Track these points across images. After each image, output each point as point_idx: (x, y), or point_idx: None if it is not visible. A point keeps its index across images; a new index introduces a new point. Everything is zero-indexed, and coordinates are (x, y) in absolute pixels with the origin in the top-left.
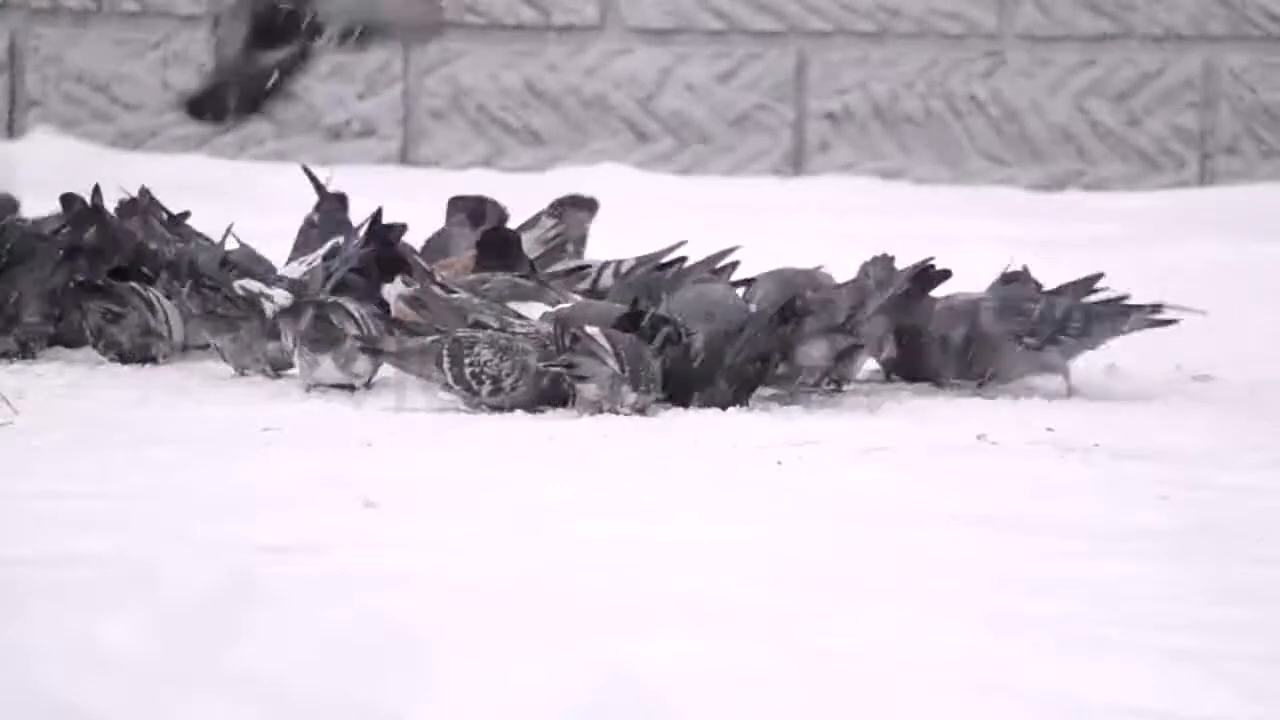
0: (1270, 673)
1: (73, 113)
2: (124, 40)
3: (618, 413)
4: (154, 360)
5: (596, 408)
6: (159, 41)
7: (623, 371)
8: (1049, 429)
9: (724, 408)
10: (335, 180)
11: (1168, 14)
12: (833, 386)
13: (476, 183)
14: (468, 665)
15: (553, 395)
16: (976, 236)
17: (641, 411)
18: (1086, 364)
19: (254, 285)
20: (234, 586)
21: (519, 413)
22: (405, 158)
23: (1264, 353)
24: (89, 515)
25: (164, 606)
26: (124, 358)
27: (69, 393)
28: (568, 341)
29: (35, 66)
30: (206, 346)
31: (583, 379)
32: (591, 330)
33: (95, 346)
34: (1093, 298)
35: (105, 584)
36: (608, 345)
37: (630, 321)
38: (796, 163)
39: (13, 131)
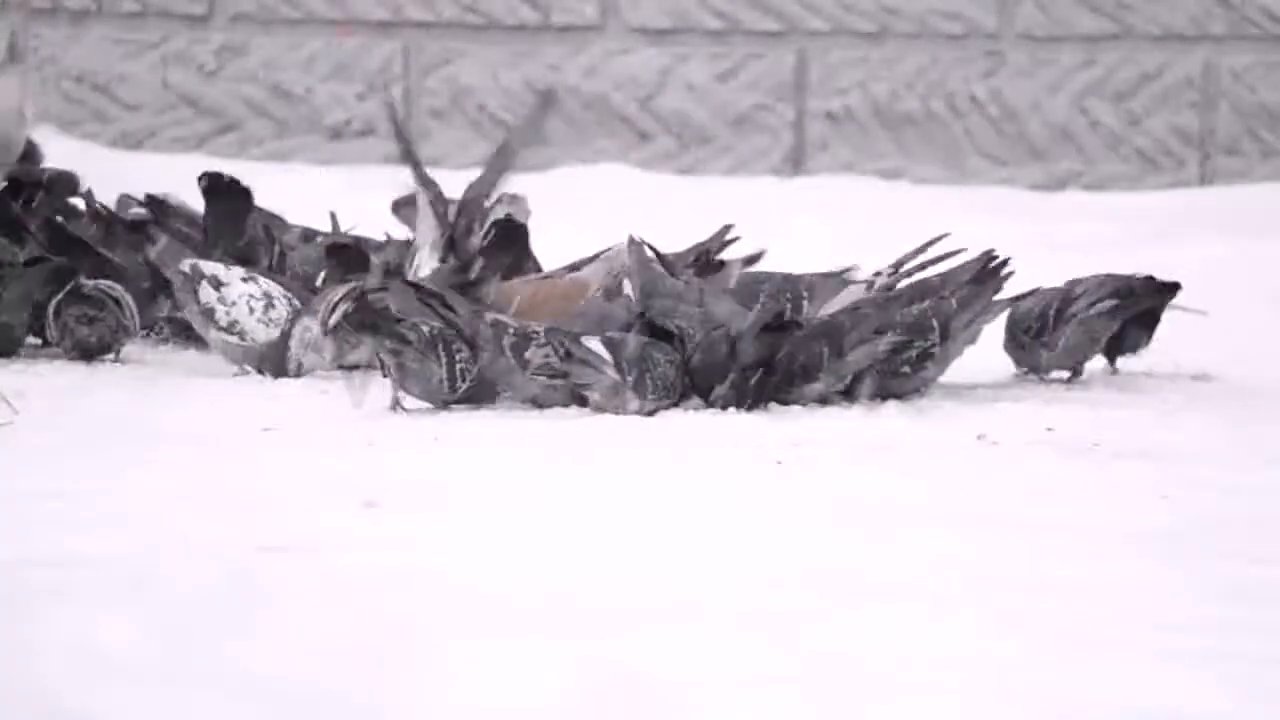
0: (1270, 673)
1: (73, 113)
2: (124, 40)
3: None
4: (116, 354)
5: (601, 409)
6: (159, 41)
7: (624, 379)
8: (1049, 429)
9: (724, 408)
10: (335, 179)
11: (1168, 14)
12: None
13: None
14: (468, 665)
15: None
16: (976, 236)
17: (649, 414)
18: (1087, 364)
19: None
20: (234, 586)
21: (519, 412)
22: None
23: (1264, 353)
24: (89, 515)
25: (164, 606)
26: (87, 355)
27: (69, 393)
28: (563, 353)
29: (35, 66)
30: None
31: (582, 387)
32: (588, 341)
33: (58, 344)
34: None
35: (105, 584)
36: (607, 355)
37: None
38: (796, 163)
39: None
